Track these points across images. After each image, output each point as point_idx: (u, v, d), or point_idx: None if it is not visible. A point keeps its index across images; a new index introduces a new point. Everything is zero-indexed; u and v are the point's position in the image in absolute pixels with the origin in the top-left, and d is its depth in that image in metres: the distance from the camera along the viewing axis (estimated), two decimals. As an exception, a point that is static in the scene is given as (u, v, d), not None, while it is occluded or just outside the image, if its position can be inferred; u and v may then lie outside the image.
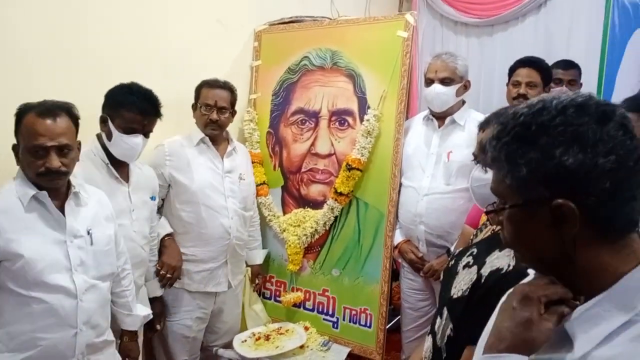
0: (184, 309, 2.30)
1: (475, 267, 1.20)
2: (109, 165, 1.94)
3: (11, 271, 1.50)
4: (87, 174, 1.84)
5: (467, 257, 1.29)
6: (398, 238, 2.47)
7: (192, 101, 2.36)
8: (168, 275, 2.19)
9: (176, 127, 2.36)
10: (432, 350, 1.27)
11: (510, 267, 1.10)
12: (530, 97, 2.47)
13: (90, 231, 1.64)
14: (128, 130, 1.88)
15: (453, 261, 1.36)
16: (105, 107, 1.93)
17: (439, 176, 2.35)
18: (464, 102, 2.45)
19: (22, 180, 1.56)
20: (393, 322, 3.06)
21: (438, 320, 1.27)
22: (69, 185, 1.64)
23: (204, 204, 2.27)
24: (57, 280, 1.54)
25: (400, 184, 2.47)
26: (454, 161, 2.32)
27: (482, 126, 1.40)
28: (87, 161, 1.89)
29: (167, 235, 2.25)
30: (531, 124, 0.71)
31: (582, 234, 0.70)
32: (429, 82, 2.40)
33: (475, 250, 1.29)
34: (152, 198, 2.13)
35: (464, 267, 1.26)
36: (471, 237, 1.56)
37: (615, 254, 0.71)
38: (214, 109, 2.28)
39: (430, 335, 1.32)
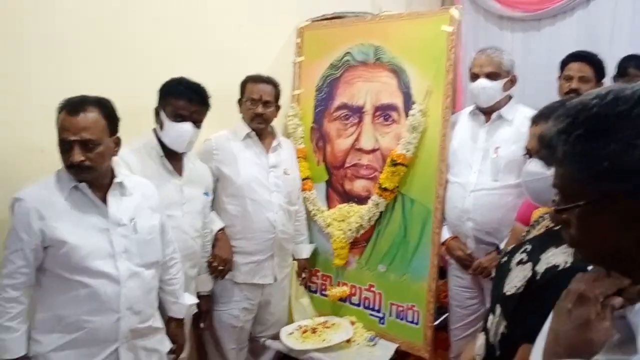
0: (232, 299, 2.35)
1: (529, 264, 1.18)
2: (163, 157, 2.00)
3: (57, 257, 1.57)
4: (142, 165, 1.91)
5: (520, 253, 1.26)
6: (445, 235, 2.44)
7: (235, 97, 2.41)
8: (220, 268, 2.23)
9: (219, 122, 2.39)
10: (486, 348, 1.26)
11: (568, 264, 1.07)
12: (583, 92, 2.41)
13: (133, 220, 1.69)
14: (177, 118, 1.95)
15: (506, 258, 1.34)
16: (158, 100, 2.00)
17: (486, 172, 2.31)
18: (510, 97, 2.40)
19: (65, 171, 1.63)
20: (439, 320, 3.03)
21: (491, 317, 1.25)
22: (113, 175, 1.69)
23: (249, 197, 2.31)
24: (100, 267, 1.60)
25: (446, 180, 2.44)
26: (502, 157, 2.28)
27: (536, 120, 1.38)
28: (144, 153, 1.97)
29: (220, 229, 2.29)
30: (608, 115, 0.67)
31: None
32: (474, 76, 2.36)
33: (529, 246, 1.26)
34: (206, 194, 2.18)
35: (518, 263, 1.23)
36: (523, 234, 1.53)
37: None
38: (259, 103, 2.32)
39: (482, 333, 1.30)
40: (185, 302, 1.97)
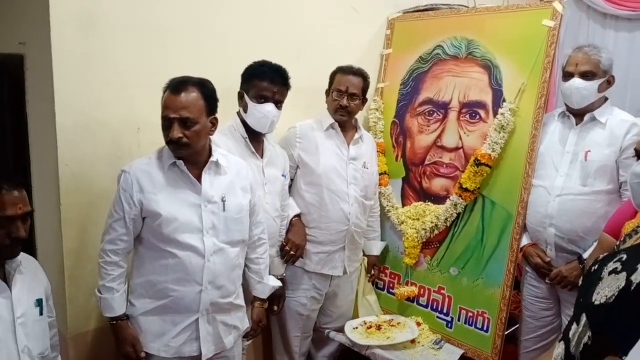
0: (300, 287, 2.36)
1: (624, 274, 1.10)
2: (247, 139, 2.05)
3: (152, 227, 1.68)
4: (227, 146, 1.96)
5: (614, 262, 1.18)
6: (524, 241, 2.32)
7: (322, 86, 2.41)
8: (292, 252, 2.24)
9: (306, 111, 2.43)
10: (564, 358, 1.18)
11: None
12: None
13: (224, 198, 1.74)
14: (260, 99, 1.99)
15: (597, 266, 1.25)
16: (241, 83, 2.05)
17: (574, 176, 2.18)
18: (606, 98, 2.24)
19: (166, 149, 1.71)
20: (509, 331, 2.89)
21: (574, 326, 1.18)
22: (210, 154, 1.75)
23: (327, 187, 2.30)
24: (188, 239, 1.67)
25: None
26: (593, 161, 2.13)
27: None
28: (229, 135, 2.03)
29: (296, 215, 2.31)
30: None
31: None
32: (567, 75, 2.22)
33: (624, 256, 1.18)
34: (283, 175, 2.22)
35: (610, 272, 1.15)
36: (614, 246, 1.42)
37: None
38: (344, 94, 2.30)
39: (562, 342, 1.23)
40: (270, 284, 2.02)
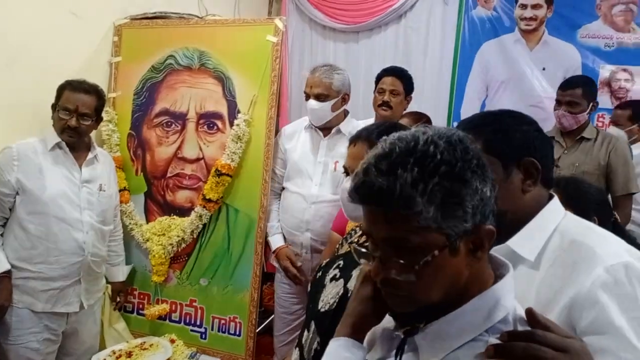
0: (29, 330, 2.05)
1: (341, 281, 1.21)
2: None
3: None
4: None
5: (333, 269, 1.29)
6: (277, 242, 2.45)
7: (45, 99, 2.12)
8: None
9: (28, 129, 2.11)
10: None
11: None
12: (393, 104, 2.61)
13: None
14: None
15: (320, 273, 1.36)
16: None
17: (326, 185, 2.37)
18: (347, 111, 2.47)
19: None
20: (263, 324, 3.05)
21: (305, 333, 1.27)
22: None
23: (55, 216, 2.04)
24: None
25: (283, 188, 2.47)
26: (341, 170, 2.35)
27: (354, 140, 1.44)
28: None
29: (4, 273, 2.00)
30: (455, 160, 0.71)
31: None
32: (307, 96, 2.39)
33: (342, 262, 1.30)
34: None
35: (331, 279, 1.26)
36: (337, 245, 1.58)
37: None
38: (73, 114, 2.06)
39: (297, 349, 1.32)
40: None
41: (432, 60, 3.74)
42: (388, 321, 0.87)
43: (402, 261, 0.70)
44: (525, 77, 3.50)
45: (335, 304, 1.18)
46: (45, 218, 2.03)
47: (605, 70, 3.33)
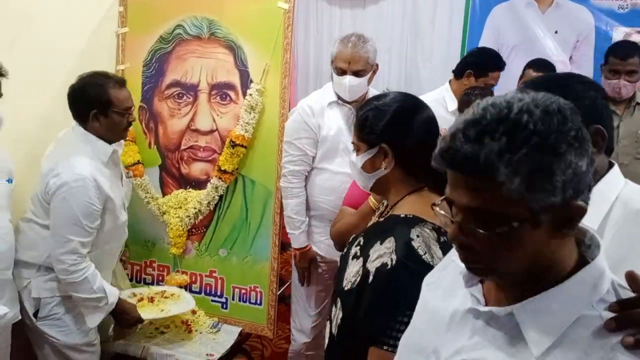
0: None
1: (361, 260, 1.18)
2: None
3: None
4: None
5: (355, 246, 1.27)
6: (302, 242, 2.33)
7: (47, 76, 2.08)
8: None
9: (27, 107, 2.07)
10: (329, 336, 1.28)
11: (394, 262, 1.10)
12: None
13: None
14: None
15: (346, 249, 1.35)
16: None
17: None
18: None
19: None
20: (280, 291, 3.07)
21: (334, 309, 1.27)
22: None
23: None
24: None
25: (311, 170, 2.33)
26: None
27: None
28: None
29: None
30: (549, 132, 0.67)
31: None
32: (340, 71, 2.21)
33: (362, 239, 1.26)
34: (9, 181, 1.88)
35: (353, 257, 1.24)
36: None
37: None
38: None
39: (328, 321, 1.33)
40: None
41: (440, 25, 3.67)
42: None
43: (480, 230, 0.69)
44: (537, 41, 3.43)
45: (356, 283, 1.17)
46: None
47: (618, 33, 3.26)
